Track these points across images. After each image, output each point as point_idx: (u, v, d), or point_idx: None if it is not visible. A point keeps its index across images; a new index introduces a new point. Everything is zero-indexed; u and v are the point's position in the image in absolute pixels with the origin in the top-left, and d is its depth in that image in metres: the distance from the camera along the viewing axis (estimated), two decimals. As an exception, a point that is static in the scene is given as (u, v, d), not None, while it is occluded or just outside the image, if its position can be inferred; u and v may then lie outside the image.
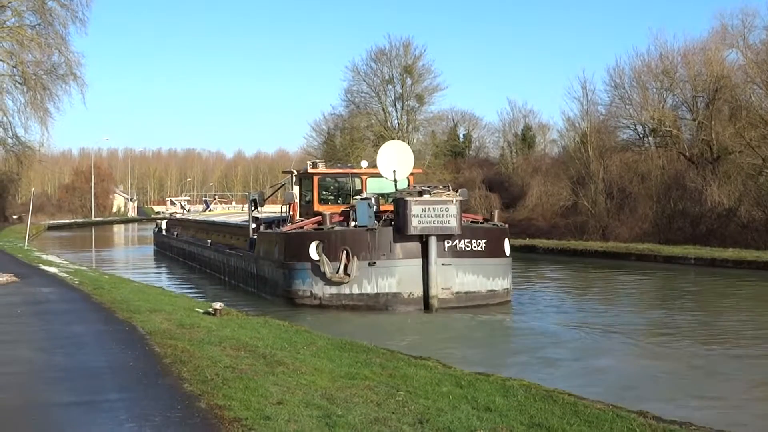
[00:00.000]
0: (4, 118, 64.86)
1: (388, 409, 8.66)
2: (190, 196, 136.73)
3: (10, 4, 60.74)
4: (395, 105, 69.35)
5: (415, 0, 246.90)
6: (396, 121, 69.36)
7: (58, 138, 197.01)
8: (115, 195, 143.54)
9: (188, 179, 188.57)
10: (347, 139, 68.83)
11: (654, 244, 40.97)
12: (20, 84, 62.47)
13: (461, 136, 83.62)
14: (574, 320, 21.00)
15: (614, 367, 15.19)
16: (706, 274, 32.62)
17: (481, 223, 25.36)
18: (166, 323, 14.30)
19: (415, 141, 71.12)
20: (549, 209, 58.70)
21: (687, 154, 49.91)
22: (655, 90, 54.74)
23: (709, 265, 34.60)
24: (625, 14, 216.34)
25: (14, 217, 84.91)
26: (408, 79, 68.25)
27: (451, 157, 75.59)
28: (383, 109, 69.20)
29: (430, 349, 15.48)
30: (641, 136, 56.65)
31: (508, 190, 67.46)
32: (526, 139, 78.29)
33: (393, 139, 66.96)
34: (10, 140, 66.16)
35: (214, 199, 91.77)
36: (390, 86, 68.98)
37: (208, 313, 16.53)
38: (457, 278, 22.86)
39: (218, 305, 16.80)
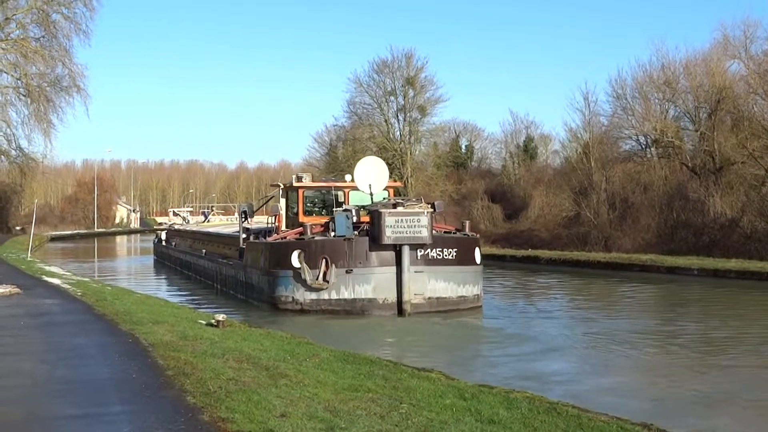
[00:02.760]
0: (8, 129, 65.17)
1: (392, 422, 8.64)
2: (192, 207, 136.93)
3: (14, 17, 61.01)
4: (397, 116, 69.47)
5: (417, 11, 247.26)
6: (398, 133, 69.47)
7: (61, 149, 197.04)
8: (118, 206, 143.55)
9: (191, 190, 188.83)
10: (349, 151, 68.95)
11: (657, 255, 40.87)
12: (24, 96, 62.68)
13: (463, 147, 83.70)
14: (569, 329, 21.13)
15: (614, 378, 15.15)
16: (710, 285, 32.54)
17: (453, 233, 26.56)
18: (168, 335, 14.29)
19: (417, 152, 71.27)
20: (551, 220, 58.67)
21: (689, 164, 49.90)
22: (657, 101, 54.78)
23: (713, 275, 34.53)
24: (626, 25, 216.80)
25: (17, 228, 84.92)
26: (410, 90, 68.34)
27: (454, 168, 75.69)
28: (385, 121, 69.30)
29: (404, 351, 17.20)
30: (643, 146, 56.68)
31: (510, 201, 67.52)
32: (528, 150, 78.34)
33: (395, 150, 67.58)
34: (13, 152, 66.42)
35: (212, 210, 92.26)
36: (392, 98, 69.11)
37: (211, 325, 16.50)
38: (429, 285, 24.16)
39: (221, 317, 16.78)
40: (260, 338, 15.21)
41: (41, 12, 61.37)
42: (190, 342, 13.55)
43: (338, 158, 72.36)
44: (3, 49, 62.28)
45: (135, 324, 15.69)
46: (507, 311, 25.75)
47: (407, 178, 66.35)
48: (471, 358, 17.57)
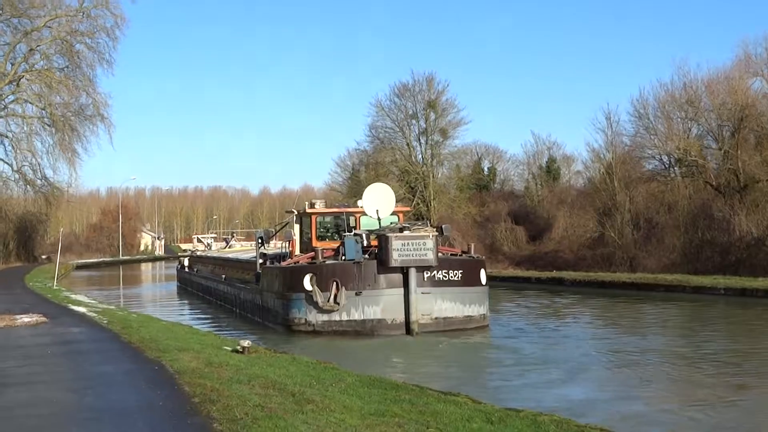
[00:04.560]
0: (34, 159, 66.17)
1: (419, 447, 8.61)
2: (216, 233, 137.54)
3: (38, 48, 61.98)
4: (419, 140, 69.58)
5: (438, 34, 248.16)
6: (420, 156, 69.58)
7: (86, 178, 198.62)
8: (143, 233, 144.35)
9: (214, 216, 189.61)
10: (372, 175, 69.01)
11: (683, 275, 40.58)
12: (49, 126, 63.63)
13: (486, 169, 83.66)
14: (595, 351, 21.00)
15: (642, 401, 15.00)
16: (737, 305, 32.26)
17: (459, 255, 27.62)
18: (194, 362, 14.30)
19: (439, 175, 71.30)
20: (575, 241, 58.46)
21: (714, 183, 49.61)
22: (679, 120, 54.52)
23: (740, 295, 34.23)
24: (648, 45, 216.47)
25: (43, 257, 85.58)
26: (432, 113, 68.45)
27: (476, 190, 75.65)
28: (407, 144, 69.43)
29: (413, 370, 17.98)
30: (667, 166, 56.41)
31: (533, 223, 67.36)
32: (550, 171, 78.27)
33: (418, 173, 67.68)
34: (39, 181, 67.32)
35: (233, 236, 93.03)
36: (414, 121, 69.27)
37: (236, 351, 16.52)
38: (436, 305, 25.10)
39: (246, 343, 16.79)
40: (286, 364, 15.20)
41: (65, 42, 62.37)
42: (216, 369, 13.56)
43: (361, 182, 72.34)
44: (28, 80, 63.25)
45: (161, 351, 15.72)
46: (531, 333, 25.72)
47: (430, 201, 66.34)
48: (495, 380, 17.46)
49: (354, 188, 71.30)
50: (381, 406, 10.98)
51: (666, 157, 55.90)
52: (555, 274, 48.09)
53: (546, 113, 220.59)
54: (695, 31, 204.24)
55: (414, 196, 66.91)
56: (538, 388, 16.00)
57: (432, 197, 66.74)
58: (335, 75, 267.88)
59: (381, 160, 69.83)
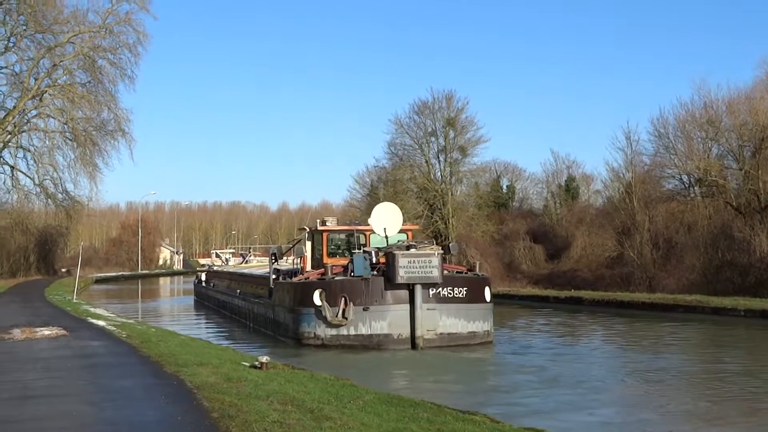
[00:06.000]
0: (55, 173, 66.56)
1: (437, 465, 8.60)
2: (234, 248, 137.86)
3: (61, 63, 62.57)
4: (438, 157, 69.49)
5: (457, 53, 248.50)
6: (439, 174, 69.48)
7: (106, 192, 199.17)
8: (162, 248, 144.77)
9: (233, 232, 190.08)
10: (390, 192, 68.96)
11: (702, 296, 40.28)
12: (70, 140, 64.09)
13: (505, 187, 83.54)
14: (613, 370, 20.88)
15: (661, 422, 14.91)
16: (758, 326, 32.01)
17: (465, 273, 28.49)
18: (213, 377, 14.35)
19: (458, 193, 71.14)
20: (594, 260, 58.19)
21: (734, 203, 49.32)
22: (699, 139, 54.22)
23: (760, 316, 33.92)
24: (668, 64, 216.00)
25: (63, 270, 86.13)
26: (451, 131, 68.39)
27: (495, 208, 75.47)
28: (426, 162, 69.40)
29: (421, 385, 18.48)
30: (687, 185, 56.13)
31: (552, 241, 67.17)
32: (569, 189, 78.09)
33: (437, 191, 67.63)
34: (60, 195, 67.69)
35: (250, 251, 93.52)
36: (433, 138, 69.20)
37: (255, 367, 16.57)
38: (441, 321, 25.88)
39: (264, 358, 16.85)
40: (304, 380, 15.23)
41: (88, 58, 62.92)
42: (235, 384, 13.60)
43: (379, 199, 72.10)
44: (50, 95, 63.80)
45: (180, 366, 15.78)
46: (544, 351, 25.67)
47: (448, 219, 66.27)
48: (508, 398, 17.39)
49: (372, 205, 70.88)
50: (399, 423, 10.98)
51: (686, 177, 55.66)
52: (573, 293, 47.90)
53: (565, 132, 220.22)
54: (716, 50, 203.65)
55: (432, 213, 66.85)
56: (554, 408, 15.94)
57: (450, 215, 66.63)
58: (355, 91, 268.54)
59: (399, 177, 69.77)
